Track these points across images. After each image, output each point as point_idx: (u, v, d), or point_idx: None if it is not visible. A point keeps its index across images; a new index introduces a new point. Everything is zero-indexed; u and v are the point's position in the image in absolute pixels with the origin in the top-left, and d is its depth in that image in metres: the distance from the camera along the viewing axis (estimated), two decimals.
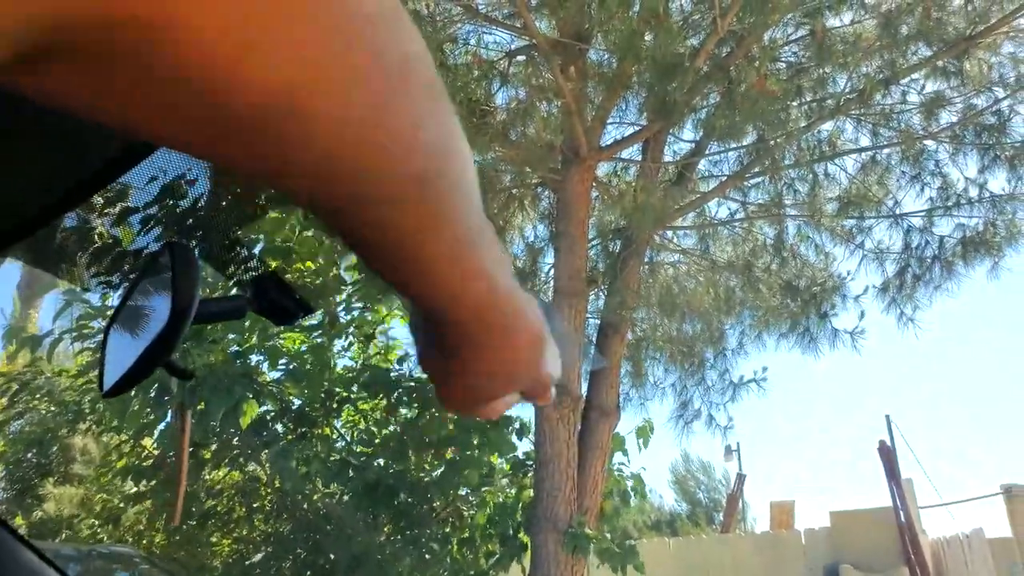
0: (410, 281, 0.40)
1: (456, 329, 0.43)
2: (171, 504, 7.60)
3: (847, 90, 6.76)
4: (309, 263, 7.12)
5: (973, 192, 7.33)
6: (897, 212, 7.63)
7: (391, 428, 8.33)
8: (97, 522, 9.53)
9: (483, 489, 8.07)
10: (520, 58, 6.84)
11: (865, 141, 7.72)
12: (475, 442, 7.64)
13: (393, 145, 0.32)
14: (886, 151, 7.67)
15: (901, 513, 11.00)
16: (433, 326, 0.45)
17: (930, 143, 7.45)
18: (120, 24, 0.23)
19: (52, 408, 9.09)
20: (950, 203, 7.40)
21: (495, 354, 0.46)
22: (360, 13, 0.29)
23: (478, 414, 0.52)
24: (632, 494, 7.80)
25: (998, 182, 7.22)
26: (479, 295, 0.41)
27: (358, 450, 8.26)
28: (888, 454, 11.51)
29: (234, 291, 0.95)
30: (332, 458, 7.60)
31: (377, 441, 8.28)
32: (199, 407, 6.66)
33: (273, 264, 6.28)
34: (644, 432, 7.54)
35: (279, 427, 7.91)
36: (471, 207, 0.38)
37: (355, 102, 0.29)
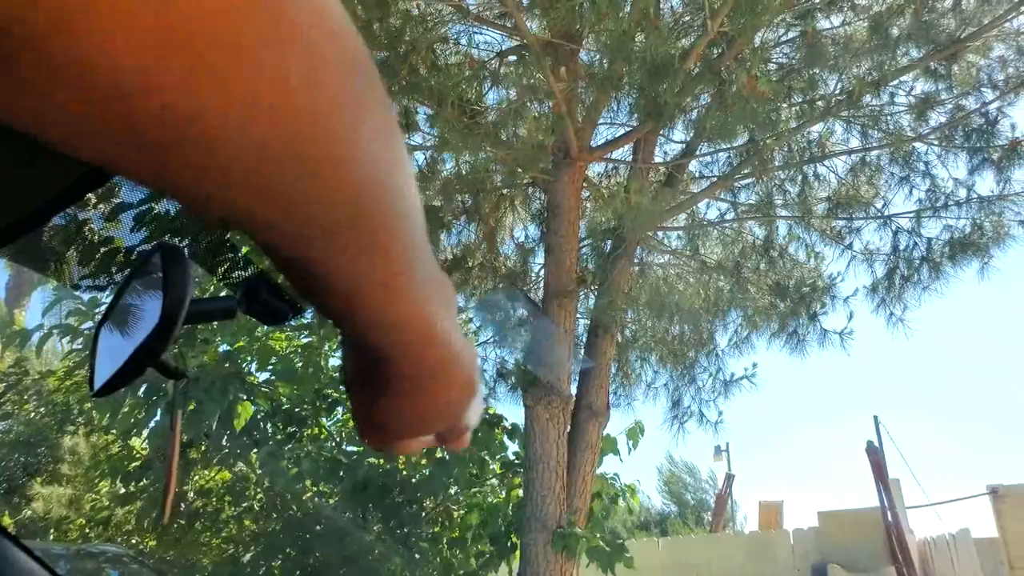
0: (341, 313, 0.38)
1: (387, 366, 0.42)
2: (161, 504, 7.58)
3: (837, 91, 6.79)
4: None
5: (961, 194, 7.38)
6: (886, 213, 7.67)
7: None
8: (83, 521, 9.49)
9: (473, 489, 8.08)
10: (511, 58, 6.84)
11: (855, 142, 7.76)
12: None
13: (321, 173, 0.29)
14: (876, 152, 7.71)
15: (888, 513, 11.05)
16: (363, 358, 0.43)
17: (919, 145, 7.49)
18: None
19: (40, 409, 9.05)
20: (939, 204, 7.44)
21: (423, 396, 0.44)
22: (283, 23, 0.25)
23: (390, 449, 0.50)
24: (623, 495, 7.82)
25: (986, 184, 7.27)
26: (414, 334, 0.40)
27: (348, 449, 8.25)
28: (876, 455, 11.56)
29: (224, 291, 0.95)
30: (322, 458, 7.59)
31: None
32: (190, 407, 6.64)
33: (262, 265, 6.26)
34: (634, 434, 7.55)
35: (269, 427, 7.90)
36: (411, 239, 0.36)
37: (276, 129, 0.26)
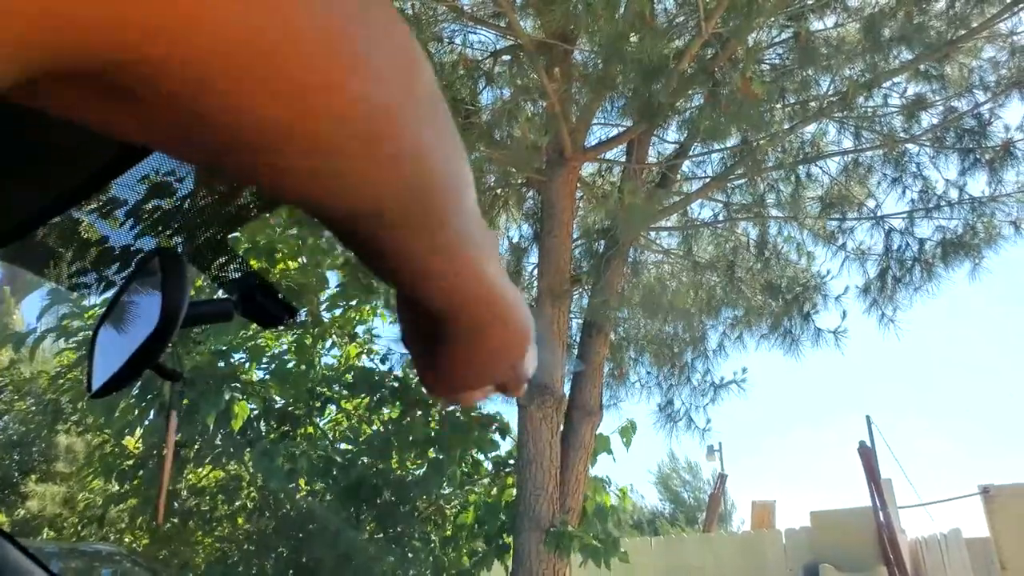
0: (400, 275, 0.41)
1: (445, 321, 0.44)
2: (154, 504, 7.57)
3: (830, 93, 6.81)
4: (292, 263, 7.10)
5: (953, 194, 7.41)
6: (879, 214, 7.70)
7: (374, 427, 8.33)
8: (77, 520, 9.48)
9: (466, 488, 8.09)
10: (506, 58, 6.85)
11: (848, 143, 7.79)
12: (456, 439, 7.65)
13: (392, 159, 0.33)
14: (868, 153, 7.75)
15: (880, 513, 11.08)
16: (420, 314, 0.46)
17: (912, 146, 7.52)
18: (116, 62, 0.24)
19: (33, 408, 9.04)
20: (931, 205, 7.47)
21: (482, 346, 0.47)
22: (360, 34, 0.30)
23: (456, 400, 0.53)
24: (617, 499, 7.83)
25: (978, 185, 7.31)
26: (470, 289, 0.43)
27: (342, 448, 8.25)
28: (868, 455, 11.59)
29: (220, 293, 0.96)
30: (315, 457, 7.59)
31: (361, 440, 8.27)
32: (184, 405, 6.63)
33: (256, 265, 6.26)
34: (627, 432, 7.56)
35: (263, 426, 7.89)
36: (464, 204, 0.40)
37: (351, 122, 0.31)
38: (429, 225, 0.38)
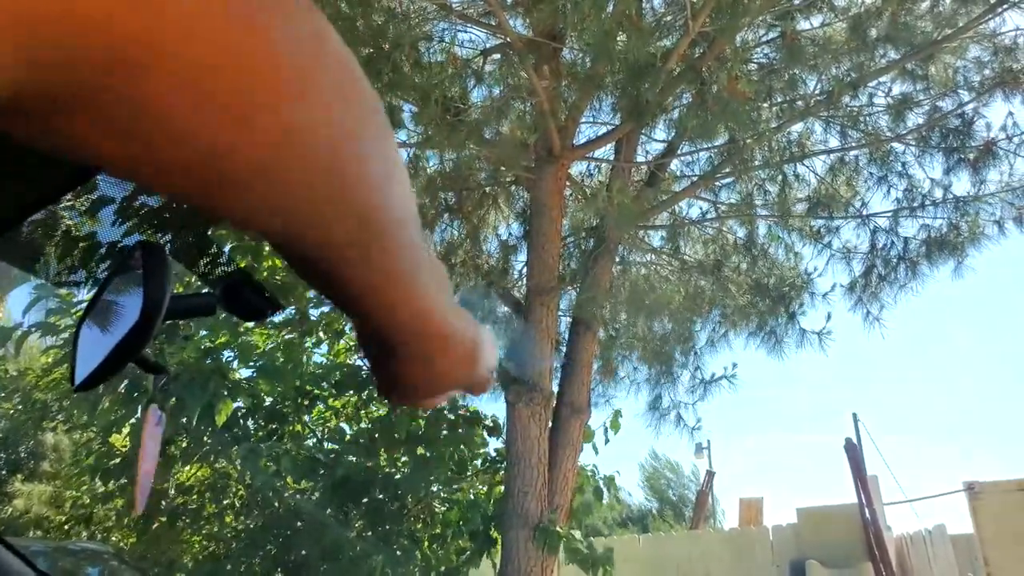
0: (349, 304, 0.42)
1: (395, 346, 0.46)
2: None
3: (817, 92, 6.85)
4: (278, 260, 7.08)
5: (938, 193, 7.46)
6: (864, 213, 7.75)
7: (362, 425, 8.32)
8: (63, 519, 9.42)
9: (454, 486, 8.08)
10: (495, 56, 6.85)
11: (834, 142, 7.84)
12: (444, 437, 7.65)
13: (337, 185, 0.34)
14: (854, 152, 7.79)
15: (866, 510, 11.14)
16: (372, 337, 0.47)
17: (897, 145, 7.57)
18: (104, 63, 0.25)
19: (19, 406, 8.97)
20: (915, 204, 7.52)
21: (433, 366, 0.49)
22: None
23: (415, 406, 0.56)
24: (604, 490, 7.83)
25: (962, 184, 7.36)
26: (415, 318, 0.44)
27: (328, 447, 8.24)
28: (854, 452, 11.65)
29: (205, 288, 0.97)
30: (302, 455, 7.58)
31: (348, 438, 8.26)
32: (171, 403, 6.60)
33: (243, 263, 6.25)
34: (615, 423, 7.53)
35: (250, 424, 7.87)
36: (409, 233, 0.40)
37: (296, 147, 0.31)
38: (374, 251, 0.38)
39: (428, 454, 7.66)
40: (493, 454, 8.17)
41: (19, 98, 0.24)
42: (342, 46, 0.33)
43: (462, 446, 7.95)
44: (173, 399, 6.52)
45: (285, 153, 0.30)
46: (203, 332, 7.19)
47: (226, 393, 6.69)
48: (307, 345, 8.13)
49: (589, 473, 7.68)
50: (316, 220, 0.34)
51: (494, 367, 0.57)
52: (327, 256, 0.37)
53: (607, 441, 7.53)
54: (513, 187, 7.94)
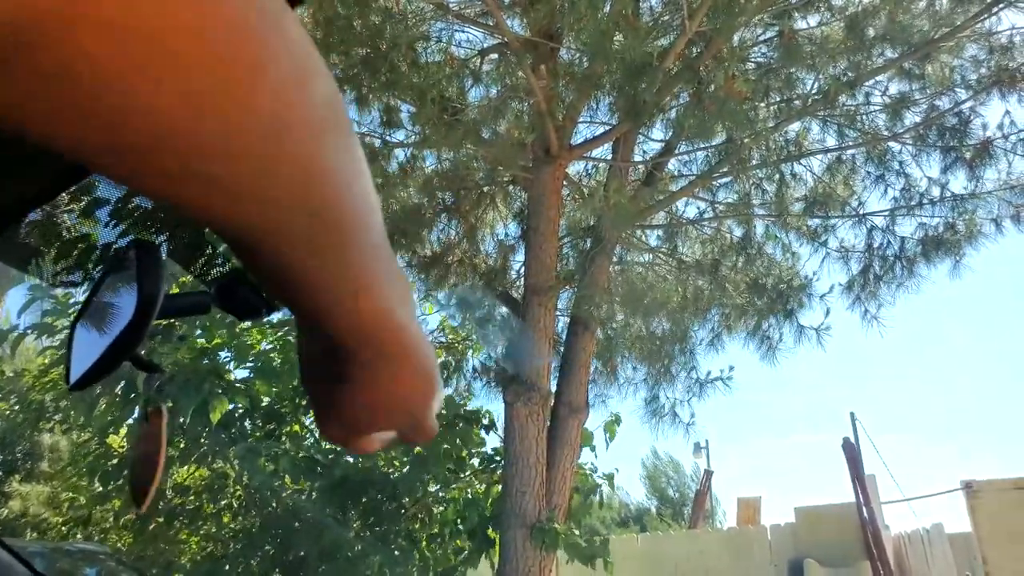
0: (301, 301, 0.40)
1: (345, 354, 0.43)
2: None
3: (814, 91, 6.85)
4: None
5: (935, 192, 7.47)
6: (861, 212, 7.75)
7: None
8: (61, 520, 9.41)
9: (451, 485, 8.09)
10: (493, 56, 6.85)
11: (831, 141, 7.84)
12: (441, 433, 7.66)
13: (288, 175, 0.32)
14: (851, 151, 7.79)
15: (864, 509, 11.16)
16: (322, 349, 0.45)
17: (894, 144, 7.57)
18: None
19: (16, 407, 8.96)
20: (912, 203, 7.52)
21: (382, 387, 0.45)
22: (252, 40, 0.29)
23: (351, 446, 0.50)
24: (603, 488, 7.85)
25: (959, 183, 7.37)
26: (371, 322, 0.41)
27: (326, 447, 8.24)
28: (852, 451, 11.67)
29: (200, 287, 0.97)
30: (300, 455, 7.58)
31: None
32: (167, 404, 6.59)
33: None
34: (611, 427, 7.57)
35: (248, 424, 7.87)
36: (371, 239, 0.39)
37: (246, 132, 0.30)
38: (329, 248, 0.37)
39: (425, 454, 7.66)
40: (491, 453, 8.18)
41: None
42: (303, 35, 0.32)
43: (458, 441, 7.94)
44: (169, 401, 6.52)
45: (216, 127, 0.29)
46: (198, 332, 7.19)
47: (221, 393, 6.68)
48: None
49: (588, 472, 7.69)
50: (262, 208, 0.33)
51: (436, 416, 0.51)
52: (277, 250, 0.35)
53: (608, 447, 7.56)
54: (511, 187, 7.94)
